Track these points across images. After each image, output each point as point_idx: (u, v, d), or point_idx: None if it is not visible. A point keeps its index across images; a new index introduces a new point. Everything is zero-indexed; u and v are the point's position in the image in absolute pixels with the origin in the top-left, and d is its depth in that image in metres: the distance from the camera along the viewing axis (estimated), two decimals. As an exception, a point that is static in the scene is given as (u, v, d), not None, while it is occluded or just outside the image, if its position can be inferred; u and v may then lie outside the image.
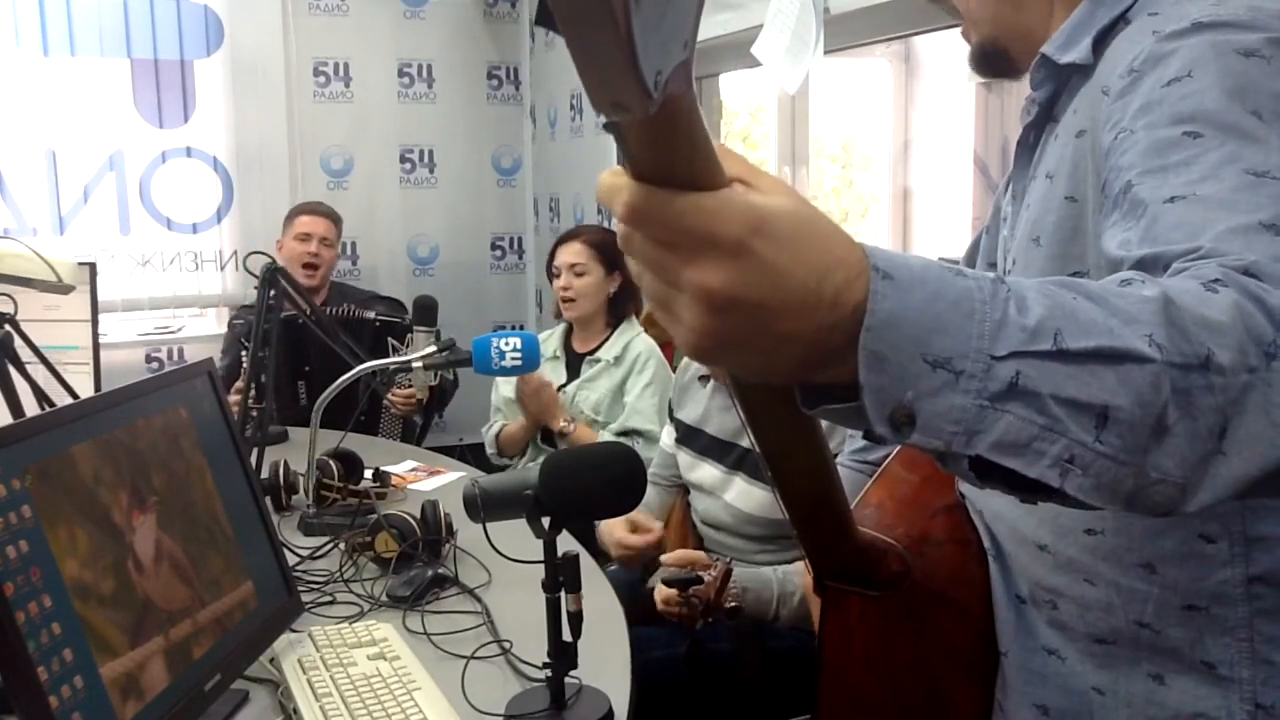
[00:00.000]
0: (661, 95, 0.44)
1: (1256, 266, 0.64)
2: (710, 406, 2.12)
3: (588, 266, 2.76)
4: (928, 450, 0.56)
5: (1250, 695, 0.89)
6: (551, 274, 2.85)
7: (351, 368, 2.00)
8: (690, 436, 2.16)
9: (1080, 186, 0.91)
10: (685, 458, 2.17)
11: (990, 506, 1.08)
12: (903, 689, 1.11)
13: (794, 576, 1.81)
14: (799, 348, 0.53)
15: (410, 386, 2.77)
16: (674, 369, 2.58)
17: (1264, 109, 0.76)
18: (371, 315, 3.17)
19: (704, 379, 2.16)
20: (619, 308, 2.83)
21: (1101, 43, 0.94)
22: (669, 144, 0.49)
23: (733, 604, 1.73)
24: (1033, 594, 1.03)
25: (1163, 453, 0.56)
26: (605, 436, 2.68)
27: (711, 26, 3.08)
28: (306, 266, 3.25)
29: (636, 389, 2.71)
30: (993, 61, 1.09)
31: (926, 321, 0.53)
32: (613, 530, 2.10)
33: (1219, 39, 0.80)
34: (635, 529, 2.09)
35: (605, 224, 3.87)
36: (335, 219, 3.40)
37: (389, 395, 2.82)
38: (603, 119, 0.47)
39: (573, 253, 2.78)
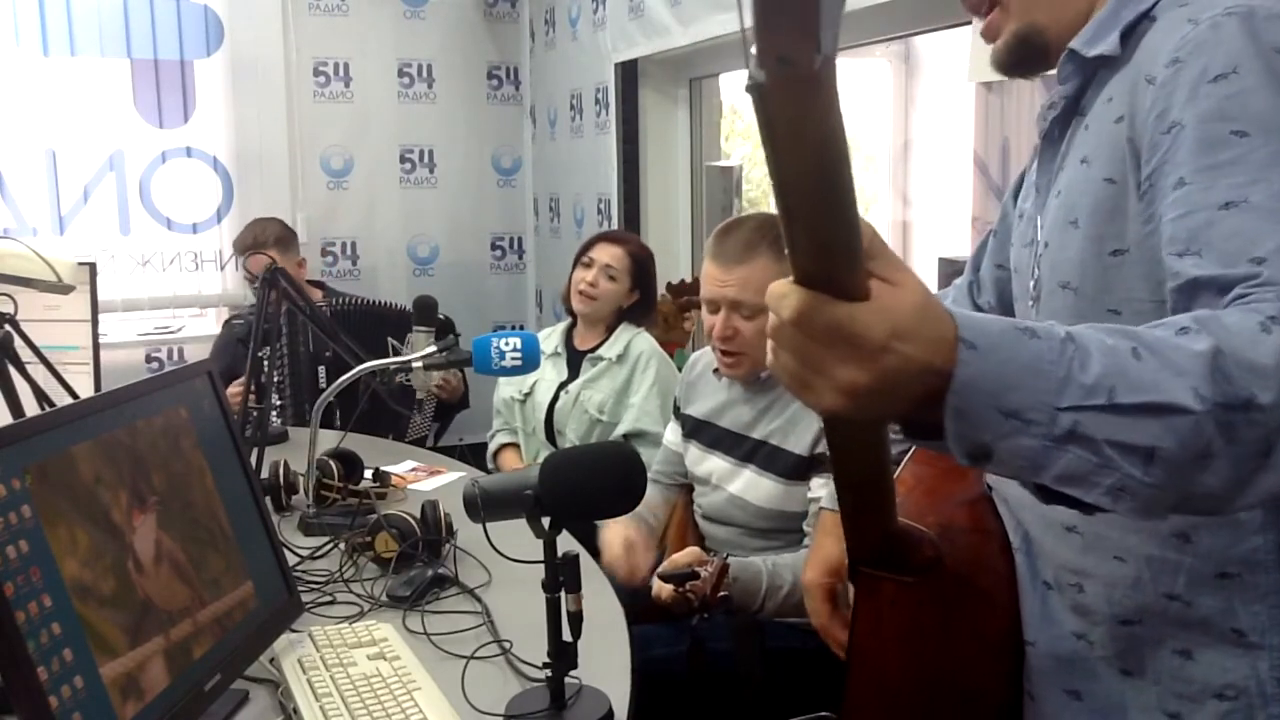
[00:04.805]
0: (824, 54, 0.45)
1: None
2: (727, 399, 2.10)
3: (620, 274, 2.78)
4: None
5: (1279, 661, 0.91)
6: (580, 263, 2.82)
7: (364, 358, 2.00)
8: (699, 430, 2.14)
9: (1119, 168, 0.92)
10: (694, 451, 2.15)
11: (1015, 493, 1.10)
12: (931, 676, 1.12)
13: (784, 571, 1.80)
14: (906, 404, 0.67)
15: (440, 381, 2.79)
16: (679, 368, 2.57)
17: None
18: (401, 306, 3.22)
19: (717, 372, 2.14)
20: (627, 318, 2.84)
21: (1129, 36, 0.95)
22: (815, 117, 0.51)
23: (722, 593, 1.73)
24: (1058, 578, 1.04)
25: (1209, 474, 0.68)
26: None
27: (712, 26, 3.08)
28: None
29: (642, 390, 2.71)
30: (1031, 51, 1.03)
31: (1002, 382, 0.66)
32: (611, 543, 2.01)
33: (1258, 31, 0.84)
34: (630, 549, 1.96)
35: (605, 225, 3.87)
36: (277, 240, 3.24)
37: (433, 385, 2.80)
38: (748, 80, 0.49)
39: (614, 256, 2.78)
